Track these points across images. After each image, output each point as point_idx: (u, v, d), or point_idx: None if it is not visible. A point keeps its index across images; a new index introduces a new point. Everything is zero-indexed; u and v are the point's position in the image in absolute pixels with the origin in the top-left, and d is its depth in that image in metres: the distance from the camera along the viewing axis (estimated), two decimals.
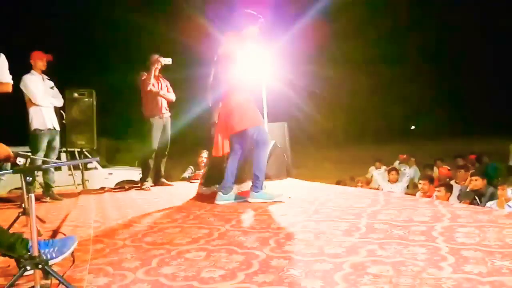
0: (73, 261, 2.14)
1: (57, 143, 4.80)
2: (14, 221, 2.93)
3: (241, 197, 3.75)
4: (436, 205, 2.94)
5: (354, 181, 9.26)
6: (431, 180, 6.11)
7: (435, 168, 8.69)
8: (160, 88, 5.42)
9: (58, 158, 5.88)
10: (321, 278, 1.69)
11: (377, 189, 7.62)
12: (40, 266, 1.69)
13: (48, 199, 4.60)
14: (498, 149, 10.71)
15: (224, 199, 3.69)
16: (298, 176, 5.96)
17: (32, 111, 4.60)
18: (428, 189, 5.69)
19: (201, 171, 6.26)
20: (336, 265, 1.82)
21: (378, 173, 9.22)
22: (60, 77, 5.23)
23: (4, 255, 1.89)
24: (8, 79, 2.78)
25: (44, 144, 4.60)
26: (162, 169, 5.66)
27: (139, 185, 5.55)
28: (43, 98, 4.64)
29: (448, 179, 6.91)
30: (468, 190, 5.37)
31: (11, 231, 2.11)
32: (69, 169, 7.70)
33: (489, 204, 4.58)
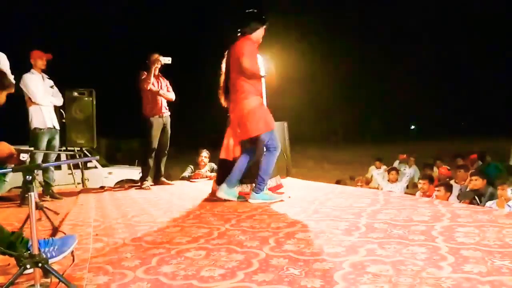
0: (73, 259, 2.14)
1: (57, 142, 4.80)
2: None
3: (242, 196, 3.75)
4: (435, 205, 2.94)
5: (353, 180, 9.26)
6: (430, 179, 6.12)
7: (434, 168, 8.70)
8: (160, 87, 5.42)
9: (58, 157, 5.88)
10: (320, 277, 1.69)
11: (377, 188, 7.62)
12: (40, 264, 1.69)
13: (48, 198, 4.60)
14: (498, 149, 10.70)
15: (226, 193, 3.70)
16: (298, 175, 5.97)
17: (32, 110, 4.60)
18: (428, 188, 5.69)
19: (201, 171, 6.28)
20: (336, 264, 1.82)
21: (377, 173, 9.23)
22: (60, 76, 5.23)
23: (3, 253, 1.89)
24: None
25: (44, 143, 4.60)
26: (162, 168, 5.67)
27: (139, 184, 5.55)
28: (43, 97, 4.64)
29: (447, 179, 6.91)
30: (467, 190, 5.37)
31: (11, 230, 2.10)
32: (69, 168, 7.70)
33: (488, 204, 4.58)
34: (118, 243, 2.47)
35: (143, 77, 5.31)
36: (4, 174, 2.87)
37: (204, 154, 6.40)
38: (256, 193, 3.58)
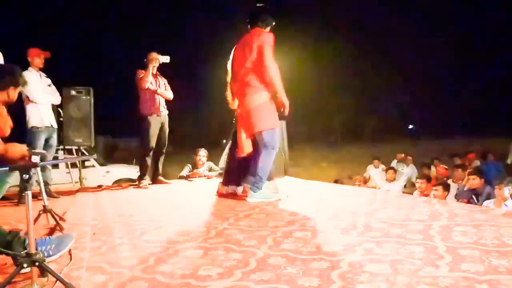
0: (70, 258, 2.13)
1: (54, 140, 4.78)
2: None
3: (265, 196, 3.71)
4: (433, 204, 2.94)
5: (351, 180, 9.28)
6: (428, 179, 6.13)
7: (432, 167, 8.72)
8: (158, 86, 5.41)
9: (55, 156, 5.87)
10: (318, 276, 1.69)
11: (375, 188, 7.64)
12: (37, 263, 1.69)
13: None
14: (497, 149, 10.73)
15: (255, 197, 3.67)
16: (296, 175, 5.97)
17: (29, 108, 4.58)
18: (425, 188, 5.71)
19: (199, 170, 6.27)
20: (333, 263, 1.82)
21: (375, 173, 9.26)
22: (58, 74, 5.21)
23: (1, 252, 1.88)
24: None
25: (41, 142, 4.58)
26: (160, 167, 5.66)
27: (136, 183, 5.54)
28: (41, 96, 4.62)
29: (445, 178, 6.93)
30: (465, 189, 5.39)
31: (8, 229, 2.10)
32: (67, 167, 7.68)
33: (486, 203, 4.60)
34: (115, 242, 2.46)
35: (141, 76, 5.30)
36: (5, 175, 2.85)
37: (202, 153, 6.39)
38: (254, 192, 3.56)
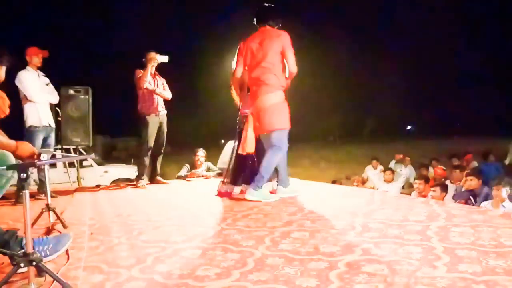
0: (68, 258, 2.13)
1: (52, 140, 4.77)
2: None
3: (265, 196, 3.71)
4: (431, 205, 2.95)
5: (350, 180, 9.29)
6: (426, 179, 6.15)
7: (430, 168, 8.73)
8: (156, 86, 5.41)
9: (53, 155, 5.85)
10: (316, 277, 1.69)
11: (373, 188, 7.64)
12: (34, 263, 1.68)
13: (42, 196, 4.57)
14: (495, 149, 10.74)
15: (253, 195, 3.67)
16: (294, 175, 5.97)
17: (27, 107, 4.57)
18: (423, 188, 5.72)
19: (198, 170, 6.27)
20: (331, 264, 1.82)
21: (373, 173, 9.26)
22: (56, 73, 5.20)
23: None
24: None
25: (39, 141, 4.57)
26: (158, 167, 5.65)
27: (134, 183, 5.53)
28: (39, 95, 4.61)
29: (443, 179, 6.94)
30: (463, 190, 5.40)
31: (5, 229, 2.09)
32: (64, 166, 7.67)
33: (484, 204, 4.61)
34: (113, 242, 2.46)
35: (139, 76, 5.30)
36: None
37: (201, 153, 6.39)
38: (254, 190, 3.53)
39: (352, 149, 21.73)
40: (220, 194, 4.04)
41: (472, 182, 5.20)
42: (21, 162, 1.99)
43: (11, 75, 4.61)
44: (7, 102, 2.26)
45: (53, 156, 4.45)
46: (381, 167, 9.47)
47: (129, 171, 9.21)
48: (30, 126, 4.54)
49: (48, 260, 2.03)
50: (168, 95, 5.53)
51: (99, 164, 10.09)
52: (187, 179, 6.11)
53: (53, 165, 7.61)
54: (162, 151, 5.62)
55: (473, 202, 4.91)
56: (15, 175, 1.98)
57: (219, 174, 6.17)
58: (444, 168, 8.23)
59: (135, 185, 5.40)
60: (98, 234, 2.68)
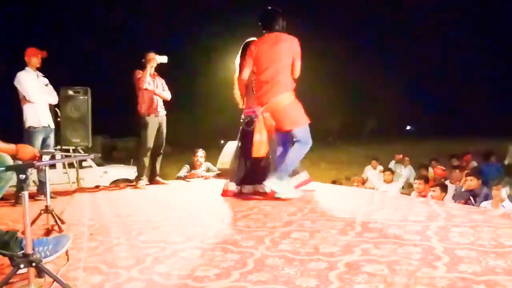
0: (67, 259, 2.13)
1: (51, 141, 4.77)
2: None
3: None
4: (431, 205, 2.95)
5: (349, 180, 9.29)
6: (426, 180, 6.15)
7: (430, 168, 8.73)
8: (155, 87, 5.41)
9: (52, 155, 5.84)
10: (316, 277, 1.69)
11: (373, 188, 7.64)
12: (33, 264, 1.68)
13: (42, 197, 4.57)
14: (494, 149, 10.74)
15: (278, 185, 3.68)
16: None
17: (26, 108, 4.56)
18: (423, 189, 5.72)
19: (197, 171, 6.26)
20: (331, 264, 1.82)
21: (373, 174, 9.26)
22: (55, 74, 5.19)
23: None
24: None
25: (38, 142, 4.56)
26: (158, 168, 5.65)
27: (134, 183, 5.53)
28: (38, 95, 4.60)
29: (443, 179, 6.95)
30: (463, 190, 5.40)
31: (5, 230, 2.09)
32: (64, 167, 7.66)
33: (483, 204, 4.61)
34: (112, 243, 2.46)
35: (139, 76, 5.29)
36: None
37: (200, 154, 6.39)
38: (279, 180, 3.50)
39: (352, 149, 21.73)
40: (225, 193, 4.06)
41: (472, 182, 5.20)
42: (20, 163, 1.98)
43: (10, 75, 4.61)
44: None
45: (53, 157, 4.44)
46: (380, 168, 9.47)
47: (129, 171, 9.19)
48: (29, 127, 4.54)
49: (48, 261, 2.03)
50: (168, 95, 5.53)
51: (99, 164, 10.07)
52: (186, 179, 6.11)
53: (52, 166, 7.60)
54: (162, 151, 5.62)
55: (473, 202, 4.92)
56: (14, 176, 1.99)
57: (219, 175, 6.18)
58: (444, 168, 8.23)
59: (134, 186, 5.40)
60: (97, 235, 2.67)
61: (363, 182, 9.08)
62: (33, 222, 2.84)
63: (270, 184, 3.51)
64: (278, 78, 3.53)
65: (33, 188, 4.88)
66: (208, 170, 6.34)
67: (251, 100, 4.02)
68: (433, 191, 5.28)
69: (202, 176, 6.18)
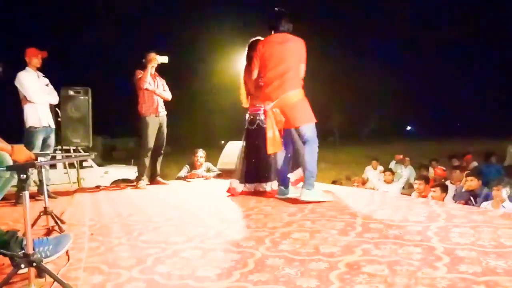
0: (68, 259, 2.13)
1: (52, 140, 4.77)
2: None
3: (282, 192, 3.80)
4: (431, 205, 2.95)
5: (350, 181, 9.29)
6: (426, 180, 6.14)
7: (430, 169, 8.74)
8: (156, 87, 5.41)
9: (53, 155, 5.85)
10: (316, 277, 1.69)
11: (373, 189, 7.64)
12: (34, 264, 1.68)
13: (42, 197, 4.57)
14: (494, 150, 10.74)
15: (284, 193, 3.76)
16: None
17: (27, 108, 4.57)
18: (423, 189, 5.71)
19: (198, 171, 6.27)
20: (332, 264, 1.82)
21: (373, 174, 9.26)
22: (56, 74, 5.20)
23: None
24: None
25: (39, 142, 4.57)
26: (158, 168, 5.65)
27: (134, 183, 5.53)
28: (38, 95, 4.61)
29: (443, 180, 6.94)
30: (463, 190, 5.40)
31: (5, 230, 2.09)
32: (64, 167, 7.67)
33: (484, 204, 4.60)
34: (113, 243, 2.46)
35: (139, 76, 5.30)
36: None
37: (200, 154, 6.39)
38: (308, 190, 3.45)
39: (352, 149, 21.74)
40: (231, 192, 4.08)
41: (472, 183, 5.20)
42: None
43: (11, 76, 4.61)
44: None
45: (53, 157, 4.44)
46: (381, 168, 9.48)
47: (129, 171, 9.20)
48: (30, 127, 4.55)
49: (49, 261, 2.03)
50: (168, 95, 5.53)
51: (99, 165, 10.08)
52: (187, 179, 6.12)
53: (53, 166, 7.61)
54: (162, 151, 5.62)
55: (473, 203, 4.91)
56: (15, 176, 1.99)
57: (219, 175, 6.18)
58: (444, 168, 8.23)
59: (135, 186, 5.40)
60: (98, 235, 2.68)
61: (364, 182, 9.08)
62: (33, 224, 2.84)
63: (305, 197, 3.42)
64: (288, 75, 3.54)
65: (34, 188, 4.88)
66: (208, 170, 6.34)
67: (256, 98, 4.04)
68: (434, 191, 5.28)
69: (202, 176, 6.18)
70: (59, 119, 5.71)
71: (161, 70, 5.55)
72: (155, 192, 4.92)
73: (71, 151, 6.66)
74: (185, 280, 1.77)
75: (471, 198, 5.03)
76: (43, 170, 3.56)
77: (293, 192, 3.77)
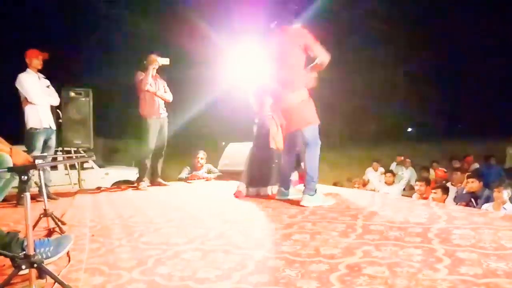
0: (69, 260, 2.13)
1: (53, 142, 4.78)
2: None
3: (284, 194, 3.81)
4: (432, 207, 2.95)
5: (351, 182, 9.28)
6: (427, 182, 6.14)
7: (431, 170, 8.73)
8: (157, 88, 5.42)
9: (54, 157, 5.86)
10: (316, 279, 1.69)
11: (374, 190, 7.63)
12: (35, 265, 1.68)
13: (42, 198, 4.57)
14: (494, 152, 10.73)
15: (284, 195, 3.77)
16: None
17: (28, 109, 4.57)
18: (424, 191, 5.71)
19: (198, 172, 6.27)
20: (332, 266, 1.82)
21: (374, 176, 9.25)
22: (57, 76, 5.21)
23: None
24: None
25: (40, 143, 4.58)
26: (159, 169, 5.66)
27: (135, 185, 5.54)
28: (39, 97, 4.62)
29: (444, 181, 6.94)
30: (464, 192, 5.39)
31: (6, 231, 2.10)
32: (66, 168, 7.67)
33: (485, 206, 4.60)
34: (114, 244, 2.46)
35: (140, 78, 5.31)
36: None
37: (201, 155, 6.39)
38: (310, 195, 3.41)
39: (353, 151, 21.71)
40: (238, 195, 4.09)
41: (473, 184, 5.19)
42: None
43: (11, 77, 4.62)
44: None
45: (54, 159, 4.45)
46: (382, 169, 9.47)
47: (130, 173, 9.21)
48: (31, 128, 4.55)
49: (49, 262, 2.03)
50: (169, 97, 5.54)
51: (100, 166, 10.09)
52: (188, 181, 6.12)
53: (54, 167, 7.61)
54: (163, 153, 5.63)
55: (474, 204, 4.91)
56: (15, 177, 1.99)
57: (220, 176, 6.19)
58: (445, 170, 8.23)
59: (136, 187, 5.41)
60: (99, 236, 2.68)
61: (364, 184, 9.07)
62: (34, 225, 2.84)
63: (306, 203, 3.38)
64: (288, 78, 3.50)
65: (35, 189, 4.88)
66: (209, 171, 6.35)
67: (264, 102, 4.05)
68: (435, 193, 5.27)
69: (203, 178, 6.18)
70: (60, 121, 5.71)
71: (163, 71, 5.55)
72: (156, 194, 4.92)
73: (72, 152, 6.67)
74: (186, 281, 1.77)
75: (472, 199, 5.02)
76: (41, 172, 3.56)
77: (293, 194, 3.78)
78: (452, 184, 6.31)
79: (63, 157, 6.07)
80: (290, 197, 3.75)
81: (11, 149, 2.00)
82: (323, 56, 3.47)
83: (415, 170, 9.48)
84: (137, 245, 2.41)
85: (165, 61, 5.36)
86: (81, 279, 1.87)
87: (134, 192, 5.14)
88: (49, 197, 4.63)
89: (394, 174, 8.18)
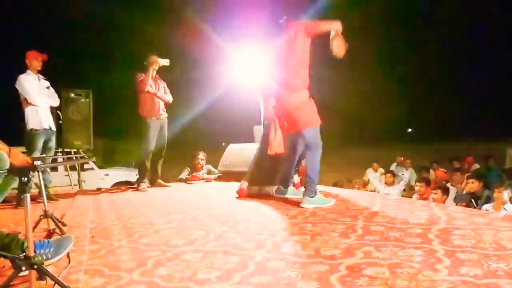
0: (69, 261, 2.13)
1: (53, 143, 4.78)
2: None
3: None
4: (432, 208, 2.95)
5: (351, 183, 9.27)
6: (427, 182, 6.14)
7: (431, 171, 8.73)
8: (157, 89, 5.42)
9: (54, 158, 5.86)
10: (317, 280, 1.69)
11: (374, 191, 7.63)
12: (35, 266, 1.68)
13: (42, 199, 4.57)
14: (494, 152, 10.73)
15: (283, 193, 3.81)
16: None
17: (28, 111, 4.58)
18: (424, 191, 5.71)
19: (198, 173, 6.27)
20: (332, 267, 1.82)
21: (374, 176, 9.25)
22: (57, 77, 5.21)
23: None
24: None
25: (40, 144, 4.58)
26: (159, 170, 5.65)
27: (135, 186, 5.53)
28: (39, 98, 4.62)
29: (444, 182, 6.93)
30: (464, 192, 5.39)
31: (6, 232, 2.10)
32: (66, 169, 7.68)
33: (485, 206, 4.60)
34: (114, 245, 2.46)
35: (141, 79, 5.31)
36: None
37: (201, 156, 6.39)
38: (310, 197, 3.39)
39: (353, 152, 21.70)
40: (240, 193, 4.10)
41: (473, 185, 5.19)
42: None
43: (11, 78, 4.63)
44: None
45: (54, 160, 4.45)
46: (382, 170, 9.47)
47: (130, 174, 9.21)
48: (31, 129, 4.55)
49: (49, 263, 2.03)
50: (169, 98, 5.54)
51: (100, 167, 10.09)
52: (188, 182, 6.12)
53: (54, 168, 7.61)
54: (163, 154, 5.62)
55: (474, 205, 4.90)
56: (15, 178, 1.99)
57: (220, 177, 6.19)
58: (445, 170, 8.22)
59: (136, 188, 5.40)
60: (99, 237, 2.68)
61: (364, 184, 9.07)
62: (34, 227, 2.84)
63: (306, 205, 3.36)
64: (287, 79, 3.48)
65: (35, 190, 4.88)
66: (209, 172, 6.34)
67: (270, 104, 4.05)
68: (435, 193, 5.27)
69: (203, 179, 6.18)
70: (60, 122, 5.72)
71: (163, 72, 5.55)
72: (156, 195, 4.92)
73: (72, 153, 6.67)
74: (186, 282, 1.77)
75: (472, 200, 5.02)
76: (39, 174, 3.56)
77: (292, 193, 3.78)
78: (452, 185, 6.31)
79: (63, 158, 6.07)
80: (288, 196, 3.75)
81: (10, 150, 2.00)
82: (334, 25, 3.32)
83: (415, 171, 9.48)
84: (137, 246, 2.41)
85: (165, 62, 5.35)
86: (81, 281, 1.87)
87: (134, 193, 5.13)
88: (49, 198, 4.63)
89: (394, 175, 8.18)
